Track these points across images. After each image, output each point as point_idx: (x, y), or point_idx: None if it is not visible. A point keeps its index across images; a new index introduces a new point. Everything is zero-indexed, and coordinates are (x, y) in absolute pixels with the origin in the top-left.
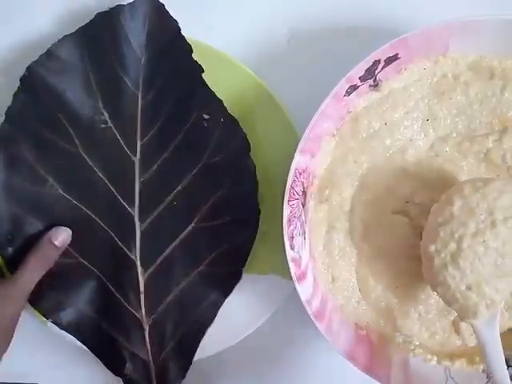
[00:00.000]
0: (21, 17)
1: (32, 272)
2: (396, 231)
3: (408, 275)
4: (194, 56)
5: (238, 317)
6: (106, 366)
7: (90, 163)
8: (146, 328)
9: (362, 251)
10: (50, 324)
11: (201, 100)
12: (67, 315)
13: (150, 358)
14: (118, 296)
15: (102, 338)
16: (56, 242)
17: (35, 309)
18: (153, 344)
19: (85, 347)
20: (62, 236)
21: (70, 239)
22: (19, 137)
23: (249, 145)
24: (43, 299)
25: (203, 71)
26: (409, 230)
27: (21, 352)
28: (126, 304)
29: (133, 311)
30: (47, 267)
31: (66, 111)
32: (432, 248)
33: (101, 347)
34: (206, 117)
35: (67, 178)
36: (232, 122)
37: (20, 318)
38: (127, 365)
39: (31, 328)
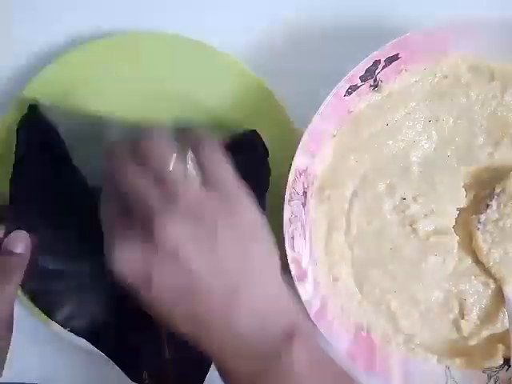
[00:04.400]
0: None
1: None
2: (388, 231)
3: (405, 275)
4: (194, 56)
5: None
6: (123, 371)
7: None
8: (165, 331)
9: (355, 251)
10: (54, 326)
11: None
12: (84, 322)
13: (169, 363)
14: None
15: (120, 343)
16: (17, 250)
17: (52, 319)
18: (172, 348)
19: (84, 347)
20: (20, 242)
21: (31, 241)
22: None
23: (267, 152)
24: (59, 308)
25: None
26: (401, 230)
27: (22, 352)
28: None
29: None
30: (19, 275)
31: None
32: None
33: (119, 353)
34: None
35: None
36: (251, 132)
37: (21, 318)
38: (145, 370)
39: (32, 328)
